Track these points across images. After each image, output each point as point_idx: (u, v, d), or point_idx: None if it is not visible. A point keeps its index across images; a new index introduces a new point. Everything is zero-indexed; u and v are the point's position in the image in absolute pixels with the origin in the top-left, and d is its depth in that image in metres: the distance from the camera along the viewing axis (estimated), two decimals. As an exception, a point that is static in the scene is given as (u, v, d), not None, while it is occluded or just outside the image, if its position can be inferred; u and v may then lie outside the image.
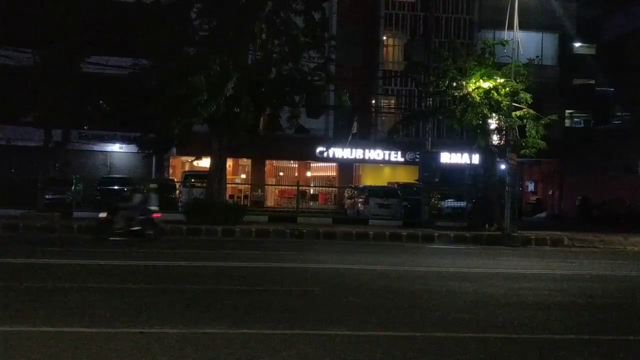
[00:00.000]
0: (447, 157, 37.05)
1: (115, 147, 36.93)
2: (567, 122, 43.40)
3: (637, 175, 36.41)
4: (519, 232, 24.29)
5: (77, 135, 34.73)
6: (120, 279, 12.11)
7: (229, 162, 32.87)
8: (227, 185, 28.67)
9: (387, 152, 39.16)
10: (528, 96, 24.97)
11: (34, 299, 9.77)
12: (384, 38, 40.73)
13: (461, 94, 25.65)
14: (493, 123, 26.03)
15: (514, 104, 25.03)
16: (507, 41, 26.05)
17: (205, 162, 34.53)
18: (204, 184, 27.03)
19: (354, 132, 38.68)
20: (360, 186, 34.40)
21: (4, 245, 17.07)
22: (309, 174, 43.21)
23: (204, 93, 22.01)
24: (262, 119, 26.32)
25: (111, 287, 11.12)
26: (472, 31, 40.04)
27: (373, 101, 40.92)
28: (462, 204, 30.56)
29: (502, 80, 25.03)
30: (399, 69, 39.89)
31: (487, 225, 25.64)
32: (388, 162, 40.12)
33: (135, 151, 30.80)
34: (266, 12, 24.56)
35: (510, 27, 25.09)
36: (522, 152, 25.96)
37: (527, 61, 26.95)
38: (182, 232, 22.05)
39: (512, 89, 24.72)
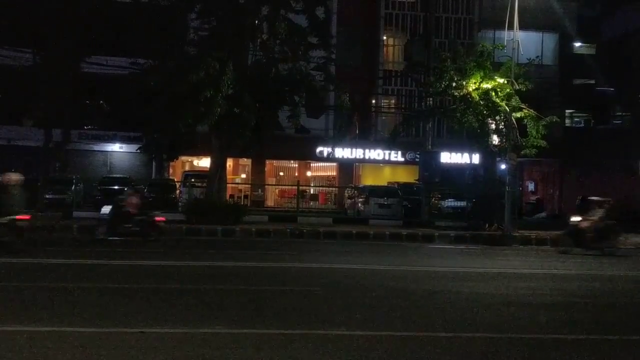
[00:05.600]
0: (447, 157, 37.03)
1: (115, 147, 36.93)
2: (567, 122, 43.35)
3: (637, 175, 36.40)
4: (518, 232, 24.28)
5: (77, 135, 34.73)
6: (120, 279, 12.10)
7: (229, 162, 32.85)
8: (227, 185, 28.67)
9: (387, 152, 39.14)
10: (518, 103, 24.90)
11: (34, 299, 9.77)
12: (384, 38, 40.71)
13: (461, 94, 25.66)
14: (493, 123, 26.05)
15: (514, 104, 25.03)
16: (503, 45, 26.18)
17: (205, 162, 34.57)
18: (204, 184, 27.03)
19: (355, 134, 38.75)
20: (361, 186, 34.38)
21: (4, 245, 17.04)
22: (309, 173, 43.20)
23: (207, 90, 22.02)
24: (265, 119, 26.26)
25: (111, 287, 11.12)
26: (472, 31, 40.01)
27: (373, 101, 40.92)
28: (462, 204, 30.53)
29: (502, 80, 25.03)
30: (399, 69, 39.87)
31: (487, 225, 25.63)
32: (388, 162, 40.11)
33: (141, 153, 30.76)
34: (266, 12, 24.60)
35: (510, 27, 25.10)
36: (522, 152, 25.95)
37: (527, 61, 26.96)
38: (182, 232, 22.03)
39: (509, 92, 24.72)
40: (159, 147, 29.37)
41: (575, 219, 20.87)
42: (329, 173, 42.11)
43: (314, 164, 42.43)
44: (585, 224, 20.11)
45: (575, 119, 45.73)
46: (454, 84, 25.72)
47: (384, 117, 40.54)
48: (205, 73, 22.17)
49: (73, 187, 30.35)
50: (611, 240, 20.11)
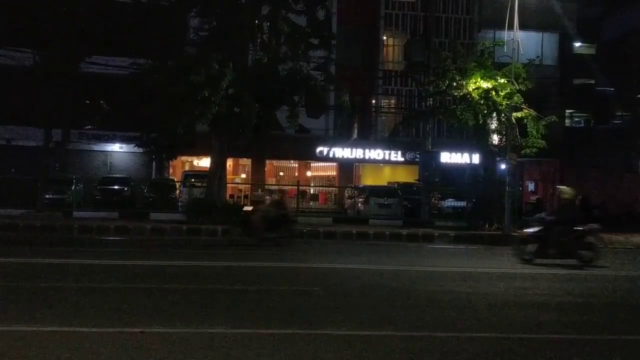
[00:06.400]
0: (447, 157, 37.01)
1: (115, 147, 36.92)
2: (567, 122, 43.37)
3: (637, 175, 36.41)
4: (518, 232, 24.26)
5: (77, 135, 34.69)
6: (120, 279, 12.10)
7: (229, 162, 32.84)
8: (227, 185, 28.65)
9: (387, 152, 39.14)
10: (520, 100, 24.92)
11: (34, 299, 9.77)
12: (384, 38, 40.71)
13: (461, 93, 25.68)
14: (493, 123, 26.06)
15: (514, 104, 25.04)
16: (503, 42, 26.18)
17: (205, 162, 34.56)
18: (204, 184, 27.03)
19: (355, 137, 38.77)
20: (361, 186, 34.36)
21: (4, 245, 17.07)
22: (309, 173, 43.19)
23: (205, 91, 22.04)
24: (265, 119, 26.25)
25: (111, 287, 11.12)
26: (472, 31, 40.03)
27: (373, 101, 40.93)
28: (462, 203, 30.51)
29: (503, 80, 25.04)
30: (399, 69, 39.88)
31: (487, 225, 25.63)
32: (388, 162, 40.09)
33: (141, 151, 30.75)
34: (266, 12, 24.61)
35: (510, 27, 25.10)
36: (522, 152, 25.96)
37: (527, 61, 26.97)
38: (182, 232, 22.04)
39: (510, 91, 24.73)
40: (158, 147, 29.32)
41: (247, 208, 20.47)
42: (329, 173, 42.10)
43: (314, 164, 42.42)
44: (255, 214, 19.39)
45: (575, 119, 45.75)
46: (454, 84, 25.75)
47: (384, 117, 40.54)
48: (205, 73, 22.19)
49: (73, 187, 30.33)
50: (282, 231, 19.41)
